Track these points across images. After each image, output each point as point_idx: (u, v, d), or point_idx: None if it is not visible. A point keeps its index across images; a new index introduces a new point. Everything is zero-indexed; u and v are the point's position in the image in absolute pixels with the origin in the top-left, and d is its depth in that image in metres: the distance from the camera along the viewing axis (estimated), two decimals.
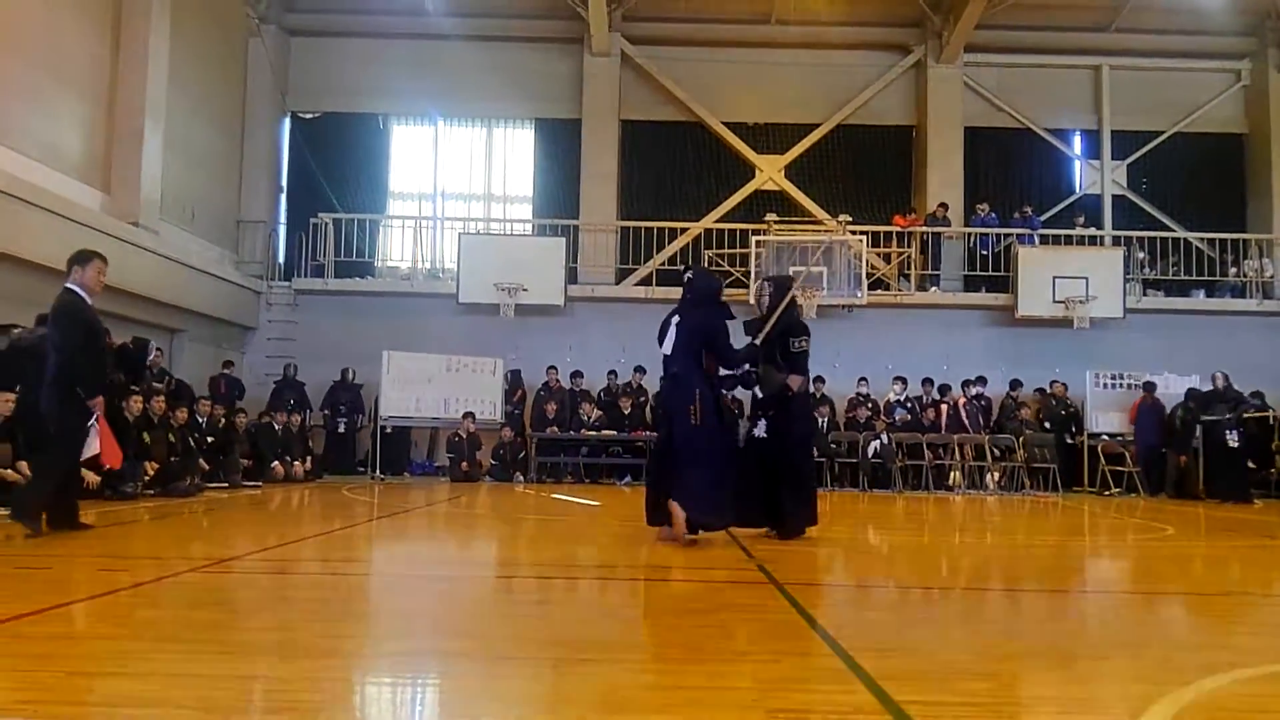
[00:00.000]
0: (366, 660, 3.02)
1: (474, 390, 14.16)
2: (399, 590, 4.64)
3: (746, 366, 6.27)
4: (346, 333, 15.01)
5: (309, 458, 13.33)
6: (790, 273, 14.83)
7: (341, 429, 14.63)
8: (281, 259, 16.62)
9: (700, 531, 6.05)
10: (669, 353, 6.14)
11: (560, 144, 17.05)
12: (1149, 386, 13.89)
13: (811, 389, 6.62)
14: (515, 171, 17.55)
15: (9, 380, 8.22)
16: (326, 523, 7.80)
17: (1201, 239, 16.39)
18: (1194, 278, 16.21)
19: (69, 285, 5.97)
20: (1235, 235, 16.47)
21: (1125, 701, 2.57)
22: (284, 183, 17.10)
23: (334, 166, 16.89)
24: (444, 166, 17.52)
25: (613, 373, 14.88)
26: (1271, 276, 16.08)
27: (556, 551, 6.25)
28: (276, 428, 12.73)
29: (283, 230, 16.89)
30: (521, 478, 13.95)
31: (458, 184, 17.65)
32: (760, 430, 6.44)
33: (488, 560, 6.11)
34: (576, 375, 14.87)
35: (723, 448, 6.05)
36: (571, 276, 15.69)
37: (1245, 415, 12.95)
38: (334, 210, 16.21)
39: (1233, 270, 16.23)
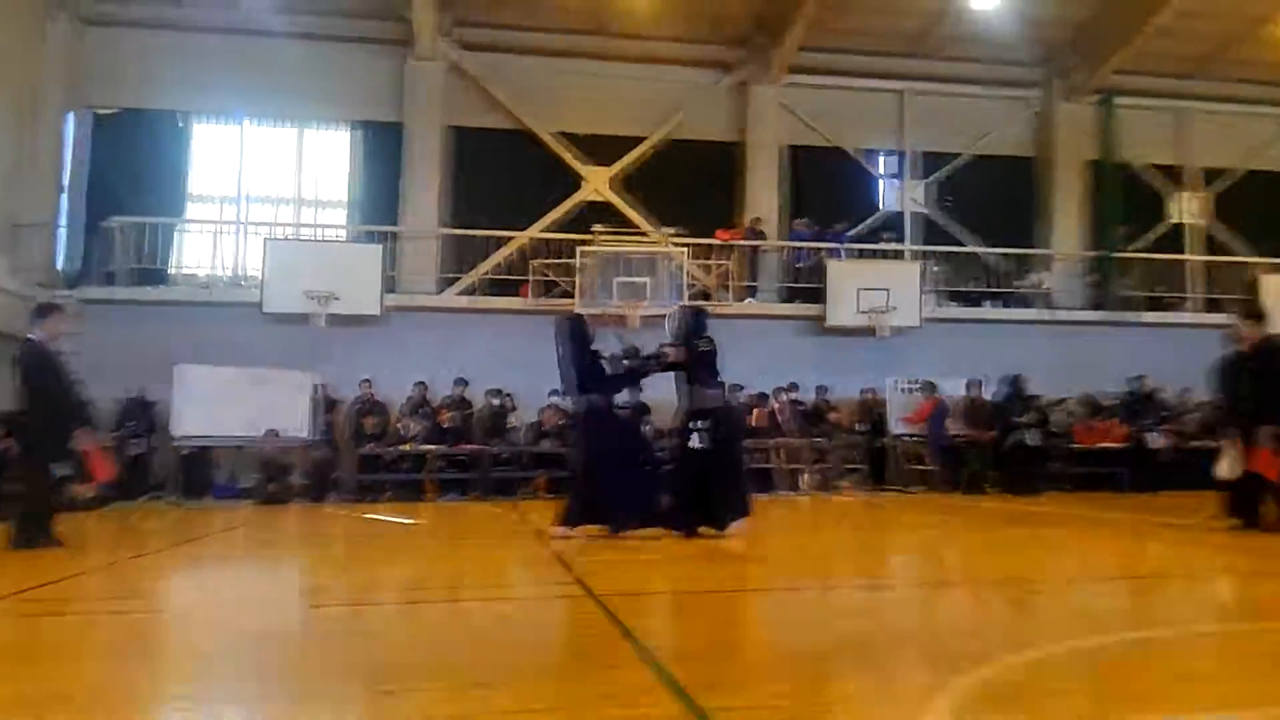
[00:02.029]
0: (151, 709, 2.70)
1: (282, 406, 13.31)
2: (193, 626, 4.20)
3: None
4: (139, 346, 13.77)
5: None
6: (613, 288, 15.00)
7: (134, 451, 13.45)
8: (69, 265, 15.12)
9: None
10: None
11: (380, 148, 16.40)
12: (929, 388, 14.85)
13: (726, 400, 8.09)
14: (329, 175, 16.74)
15: None
16: (111, 553, 7.11)
17: (993, 253, 17.75)
18: (987, 289, 17.52)
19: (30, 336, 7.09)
20: (1023, 250, 17.93)
21: (916, 692, 2.63)
22: (71, 182, 15.57)
23: (129, 167, 15.53)
24: (250, 168, 16.49)
25: (421, 383, 14.46)
26: (1052, 288, 17.61)
27: (368, 575, 5.91)
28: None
29: (64, 234, 15.37)
30: (335, 497, 13.26)
31: (265, 187, 16.66)
32: (694, 442, 7.31)
33: (293, 588, 5.69)
34: (420, 384, 14.39)
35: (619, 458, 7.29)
36: (390, 285, 15.14)
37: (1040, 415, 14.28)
38: (128, 214, 14.93)
39: (1020, 282, 17.67)
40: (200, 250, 15.83)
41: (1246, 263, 18.47)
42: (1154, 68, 18.31)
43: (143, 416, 13.61)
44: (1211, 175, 19.27)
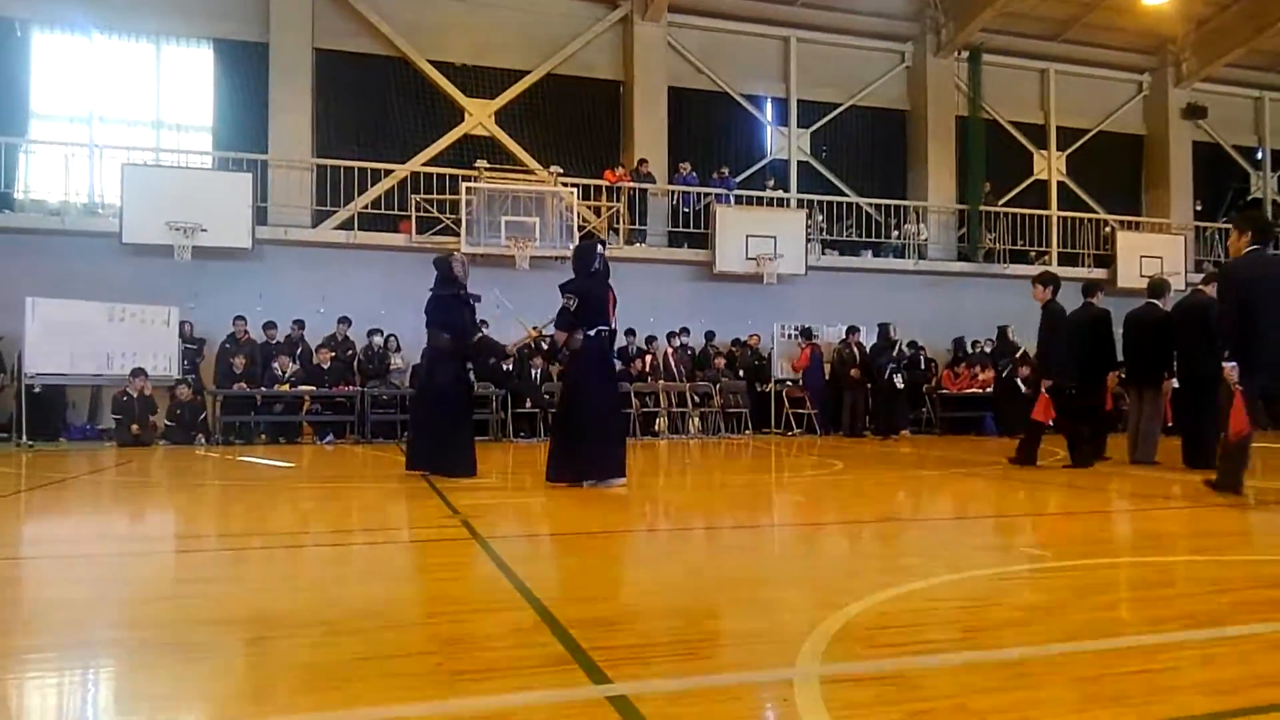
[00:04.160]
0: (15, 660, 2.54)
1: (144, 343, 12.56)
2: (60, 575, 3.95)
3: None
4: None
5: None
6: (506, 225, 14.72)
7: None
8: None
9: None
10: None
11: (244, 69, 15.38)
12: (807, 334, 15.31)
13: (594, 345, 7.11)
14: (191, 97, 15.56)
15: None
16: None
17: (870, 204, 18.22)
18: (864, 239, 18.01)
19: None
20: (897, 201, 18.47)
21: (794, 628, 2.72)
22: None
23: None
24: (102, 86, 15.21)
25: (298, 321, 13.95)
26: (925, 239, 18.27)
27: (245, 519, 5.71)
28: None
29: None
30: (204, 440, 12.70)
31: (120, 108, 15.41)
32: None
33: (162, 534, 5.43)
34: (297, 322, 13.86)
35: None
36: (261, 217, 14.41)
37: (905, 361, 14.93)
38: None
39: (895, 233, 18.24)
40: (50, 174, 14.61)
41: (1102, 219, 19.62)
42: (1019, 28, 19.01)
43: None
44: (1067, 134, 20.25)
